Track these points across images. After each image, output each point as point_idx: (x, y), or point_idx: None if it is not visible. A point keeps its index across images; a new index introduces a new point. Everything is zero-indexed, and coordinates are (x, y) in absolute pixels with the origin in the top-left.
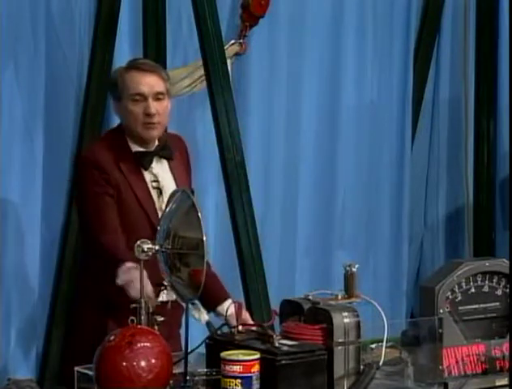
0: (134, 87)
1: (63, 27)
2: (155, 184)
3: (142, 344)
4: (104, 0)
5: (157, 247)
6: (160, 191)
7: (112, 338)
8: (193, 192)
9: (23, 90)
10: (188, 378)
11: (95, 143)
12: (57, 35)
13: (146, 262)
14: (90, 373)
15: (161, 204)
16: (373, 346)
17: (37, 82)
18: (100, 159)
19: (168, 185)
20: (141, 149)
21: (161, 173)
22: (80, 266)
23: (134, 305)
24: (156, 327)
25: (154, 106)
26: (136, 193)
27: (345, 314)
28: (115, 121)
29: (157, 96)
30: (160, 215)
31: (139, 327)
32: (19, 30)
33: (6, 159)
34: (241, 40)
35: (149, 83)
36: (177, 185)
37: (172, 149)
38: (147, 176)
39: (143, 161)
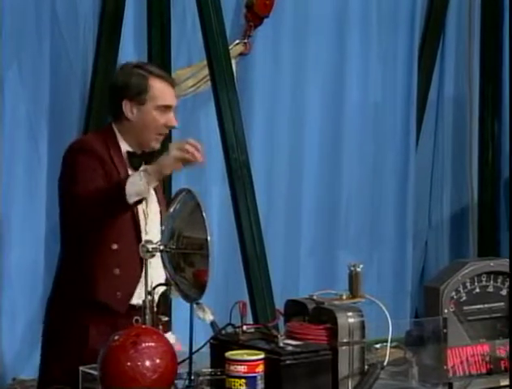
0: (165, 99)
1: (68, 26)
2: None
3: (146, 344)
4: (108, 0)
5: (162, 247)
6: None
7: (116, 338)
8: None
9: (28, 89)
10: (192, 377)
11: (86, 135)
12: (61, 34)
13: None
14: (94, 372)
15: (143, 207)
16: (378, 346)
17: (42, 81)
18: (95, 146)
19: (150, 190)
20: (131, 150)
21: None
22: (60, 267)
23: (136, 318)
24: (161, 327)
25: (175, 120)
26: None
27: (350, 314)
28: None
29: (173, 110)
30: (142, 216)
31: (144, 326)
32: (24, 29)
33: (10, 157)
34: (246, 40)
35: (173, 95)
36: (155, 191)
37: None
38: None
39: (134, 161)
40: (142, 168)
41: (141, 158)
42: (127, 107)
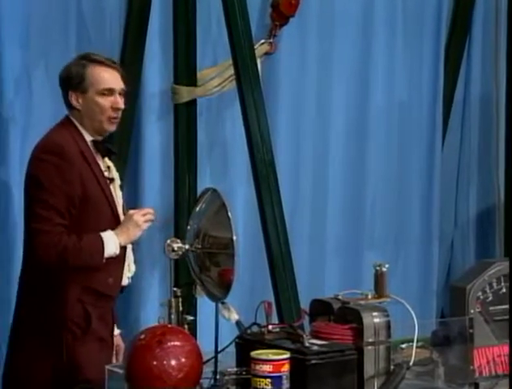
0: (105, 82)
1: (94, 25)
2: (106, 173)
3: (172, 343)
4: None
5: (187, 246)
6: (110, 180)
7: (142, 336)
8: None
9: (55, 87)
10: (218, 377)
11: (52, 132)
12: (88, 32)
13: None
14: (120, 371)
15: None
16: (404, 346)
17: None
18: (65, 146)
19: (115, 175)
20: (93, 139)
21: (109, 162)
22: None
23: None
24: (186, 326)
25: (121, 102)
26: (98, 180)
27: (375, 313)
28: (144, 117)
29: (120, 92)
30: (116, 202)
31: (169, 326)
32: (51, 28)
33: None
34: (271, 40)
35: (117, 79)
36: (121, 179)
37: None
38: (102, 164)
39: (102, 149)
40: (114, 233)
41: (105, 144)
42: (73, 98)
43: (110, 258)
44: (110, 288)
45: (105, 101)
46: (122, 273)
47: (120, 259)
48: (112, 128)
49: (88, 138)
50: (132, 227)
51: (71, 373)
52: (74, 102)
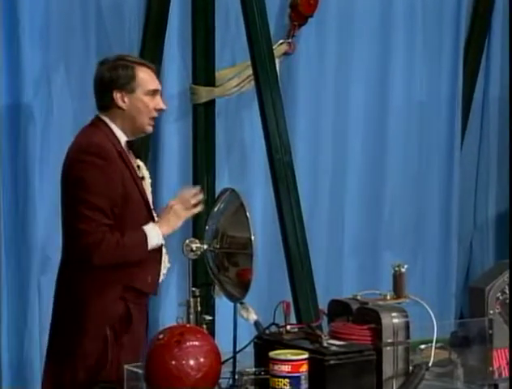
0: (152, 84)
1: (113, 26)
2: (137, 172)
3: (191, 343)
4: (153, 0)
5: (205, 246)
6: (141, 179)
7: (161, 336)
8: None
9: (75, 89)
10: (236, 377)
11: (87, 133)
12: (107, 34)
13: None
14: (139, 371)
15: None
16: (423, 347)
17: (88, 81)
18: (103, 146)
19: (145, 173)
20: (128, 139)
21: (140, 162)
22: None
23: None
24: (205, 326)
25: (163, 103)
26: (135, 179)
27: (394, 314)
28: (163, 117)
29: (161, 93)
30: (149, 199)
31: (188, 326)
32: (70, 30)
33: (58, 156)
34: (290, 40)
35: (157, 81)
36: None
37: None
38: (134, 164)
39: (135, 149)
40: (155, 225)
41: (135, 144)
42: (118, 97)
43: (151, 252)
44: (149, 286)
45: (151, 101)
46: (160, 271)
47: (157, 258)
48: (150, 130)
49: (123, 138)
50: (172, 217)
51: (112, 370)
52: (120, 101)
